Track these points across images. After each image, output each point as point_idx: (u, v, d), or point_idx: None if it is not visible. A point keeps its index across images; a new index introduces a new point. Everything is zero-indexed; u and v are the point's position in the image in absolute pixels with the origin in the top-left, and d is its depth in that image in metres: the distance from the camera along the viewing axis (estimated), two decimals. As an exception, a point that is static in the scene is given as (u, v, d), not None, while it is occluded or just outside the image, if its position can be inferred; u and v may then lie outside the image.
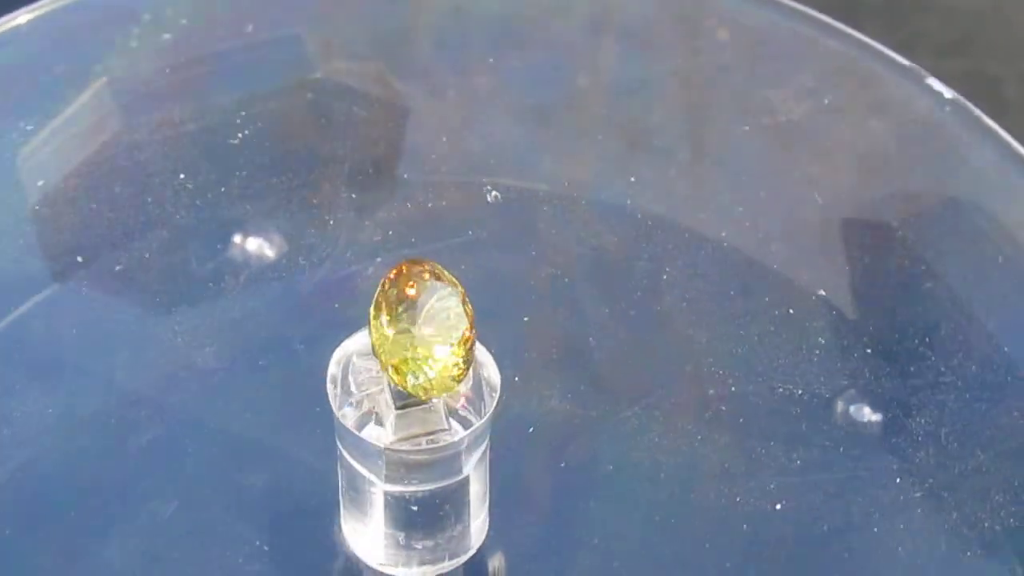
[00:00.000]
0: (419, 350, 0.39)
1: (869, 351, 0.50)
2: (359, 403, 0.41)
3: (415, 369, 0.39)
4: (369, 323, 0.40)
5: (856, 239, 0.53)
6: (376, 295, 0.39)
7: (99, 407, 0.48)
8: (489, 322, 0.42)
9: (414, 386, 0.39)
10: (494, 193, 0.52)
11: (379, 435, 0.40)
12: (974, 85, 0.93)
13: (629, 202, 0.55)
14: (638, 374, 0.49)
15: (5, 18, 0.57)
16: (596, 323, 0.51)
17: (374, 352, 0.40)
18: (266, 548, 0.45)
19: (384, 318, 0.39)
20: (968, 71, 0.94)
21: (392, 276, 0.39)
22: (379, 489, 0.41)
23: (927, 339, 0.50)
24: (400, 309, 0.39)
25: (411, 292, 0.39)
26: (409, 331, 0.39)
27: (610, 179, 0.55)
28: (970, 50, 0.95)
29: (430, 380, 0.39)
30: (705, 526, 0.46)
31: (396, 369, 0.39)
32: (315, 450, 0.46)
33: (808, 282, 0.52)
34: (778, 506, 0.46)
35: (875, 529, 0.46)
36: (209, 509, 0.46)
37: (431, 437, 0.40)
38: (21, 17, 0.57)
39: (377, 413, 0.41)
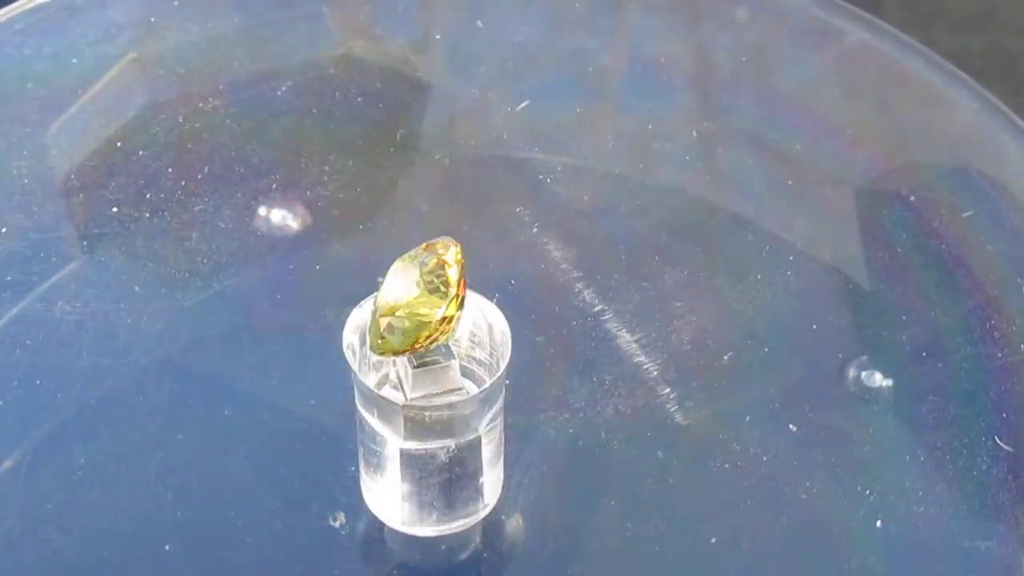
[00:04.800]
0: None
1: (882, 320, 0.51)
2: (377, 366, 0.42)
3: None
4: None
5: (868, 209, 0.54)
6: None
7: (125, 373, 0.49)
8: (507, 291, 0.43)
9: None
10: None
11: (397, 395, 0.41)
12: (993, 62, 0.93)
13: (646, 175, 0.55)
14: (652, 341, 0.50)
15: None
16: (613, 294, 0.51)
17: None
18: (288, 510, 0.46)
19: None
20: (988, 47, 0.94)
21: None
22: (395, 448, 0.42)
23: (938, 307, 0.51)
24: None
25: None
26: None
27: (628, 153, 0.56)
28: (990, 27, 0.95)
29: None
30: (718, 490, 0.47)
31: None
32: (335, 414, 0.47)
33: (822, 252, 0.53)
34: (790, 471, 0.47)
35: (888, 502, 0.46)
36: (229, 476, 0.47)
37: (445, 395, 0.41)
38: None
39: (397, 375, 0.42)
